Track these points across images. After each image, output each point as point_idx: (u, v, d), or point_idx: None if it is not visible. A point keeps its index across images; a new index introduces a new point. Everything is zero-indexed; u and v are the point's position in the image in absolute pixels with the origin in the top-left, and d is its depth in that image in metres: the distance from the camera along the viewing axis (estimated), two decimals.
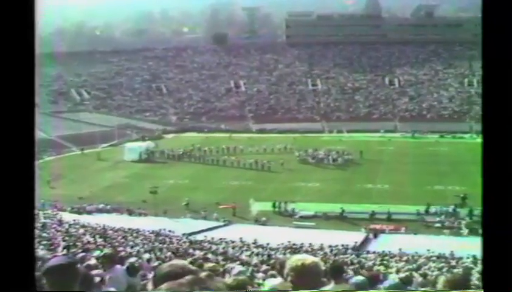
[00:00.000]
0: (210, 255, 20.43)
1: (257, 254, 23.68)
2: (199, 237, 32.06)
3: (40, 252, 11.94)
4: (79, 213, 41.17)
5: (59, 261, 3.66)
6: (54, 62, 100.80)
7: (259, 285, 8.51)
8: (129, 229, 31.23)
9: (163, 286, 2.67)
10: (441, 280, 4.56)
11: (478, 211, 37.02)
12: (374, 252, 28.27)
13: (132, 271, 8.43)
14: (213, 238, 30.64)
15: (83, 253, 12.38)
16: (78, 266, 4.05)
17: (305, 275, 3.70)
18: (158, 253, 20.08)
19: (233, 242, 29.15)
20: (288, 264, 3.84)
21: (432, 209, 39.65)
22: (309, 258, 3.83)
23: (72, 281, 3.58)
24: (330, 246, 28.60)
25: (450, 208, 39.55)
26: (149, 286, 7.54)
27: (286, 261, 4.01)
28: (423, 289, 11.67)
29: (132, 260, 12.93)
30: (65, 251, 14.85)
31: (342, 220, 39.43)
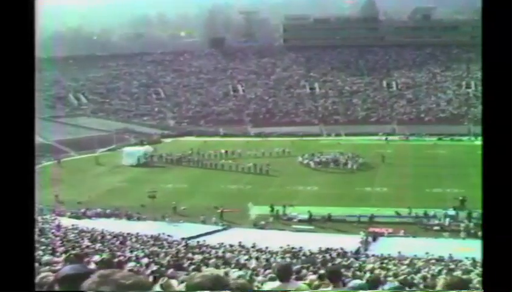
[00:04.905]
0: (210, 260, 20.40)
1: (256, 258, 23.62)
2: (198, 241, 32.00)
3: (45, 257, 11.91)
4: (78, 217, 41.19)
5: (76, 271, 3.67)
6: (52, 67, 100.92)
7: (258, 288, 8.50)
8: (128, 234, 31.21)
9: None
10: (440, 282, 4.55)
11: (477, 213, 37.02)
12: (373, 255, 28.26)
13: None
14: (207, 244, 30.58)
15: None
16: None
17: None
18: (157, 258, 20.04)
19: (231, 246, 29.11)
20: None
21: (430, 213, 39.67)
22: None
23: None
24: (329, 249, 28.56)
25: (449, 211, 39.48)
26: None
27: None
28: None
29: (131, 264, 12.93)
30: (64, 256, 14.81)
31: (340, 223, 39.38)
